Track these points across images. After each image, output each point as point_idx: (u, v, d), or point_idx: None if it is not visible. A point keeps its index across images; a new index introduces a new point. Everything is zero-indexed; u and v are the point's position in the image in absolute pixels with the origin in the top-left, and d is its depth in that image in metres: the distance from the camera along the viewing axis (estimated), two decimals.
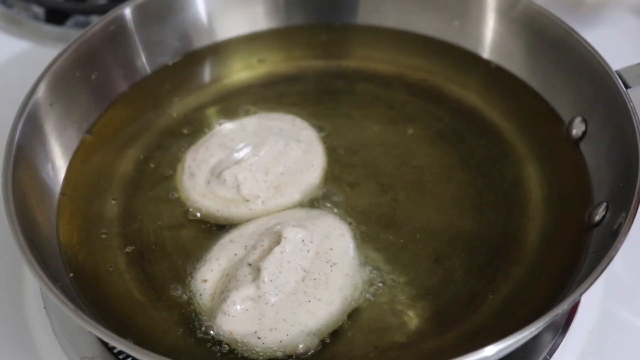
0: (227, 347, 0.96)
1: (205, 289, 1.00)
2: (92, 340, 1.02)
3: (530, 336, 0.91)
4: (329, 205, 1.10)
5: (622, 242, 0.93)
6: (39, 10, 1.47)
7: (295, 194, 1.10)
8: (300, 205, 1.10)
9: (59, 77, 1.13)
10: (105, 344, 1.02)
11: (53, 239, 1.06)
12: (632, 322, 1.06)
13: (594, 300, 1.07)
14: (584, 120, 1.13)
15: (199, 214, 1.10)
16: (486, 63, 1.24)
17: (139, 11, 1.22)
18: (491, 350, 0.86)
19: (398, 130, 1.13)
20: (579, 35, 1.14)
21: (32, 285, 1.09)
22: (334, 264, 1.01)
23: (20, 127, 1.06)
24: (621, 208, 0.98)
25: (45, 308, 1.07)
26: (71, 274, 1.03)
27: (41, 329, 1.06)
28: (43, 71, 1.12)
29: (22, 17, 1.45)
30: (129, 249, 1.07)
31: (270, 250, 1.00)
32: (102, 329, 0.89)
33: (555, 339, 1.02)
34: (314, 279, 0.99)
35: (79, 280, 1.02)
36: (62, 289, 0.94)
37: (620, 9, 1.37)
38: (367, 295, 1.01)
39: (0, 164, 1.03)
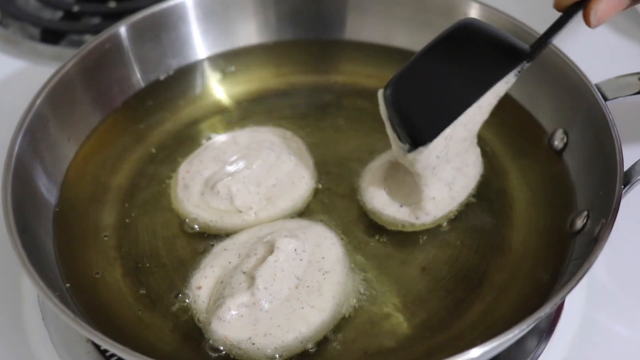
0: (222, 353, 0.98)
1: (199, 296, 1.02)
2: (90, 349, 1.04)
3: (514, 339, 0.93)
4: (319, 215, 1.12)
5: (601, 248, 0.95)
6: (34, 30, 1.49)
7: (286, 205, 1.12)
8: (291, 215, 1.12)
9: (56, 94, 1.15)
10: (102, 353, 1.03)
11: (49, 249, 1.07)
12: (613, 328, 1.07)
13: (577, 307, 1.08)
14: (565, 132, 1.15)
15: (193, 225, 1.11)
16: None
17: (133, 29, 1.24)
18: (476, 352, 0.88)
19: (385, 143, 1.16)
20: (559, 50, 1.16)
21: (30, 295, 1.10)
22: (326, 272, 1.03)
23: (19, 141, 1.08)
24: (601, 216, 1.00)
25: (43, 319, 1.07)
26: (67, 284, 1.04)
27: (39, 338, 1.06)
28: (41, 87, 1.14)
29: (18, 37, 1.46)
30: (124, 259, 1.08)
31: (264, 259, 1.01)
32: (102, 336, 0.90)
33: (539, 344, 1.04)
34: (307, 286, 1.01)
35: (76, 290, 1.04)
36: (60, 298, 0.96)
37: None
38: (357, 302, 1.02)
39: None
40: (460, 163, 1.09)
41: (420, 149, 1.00)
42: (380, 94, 1.03)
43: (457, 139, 1.03)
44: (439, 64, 1.01)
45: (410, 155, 1.01)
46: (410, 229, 1.10)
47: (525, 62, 1.00)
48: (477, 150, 1.14)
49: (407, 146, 1.01)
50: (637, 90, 1.11)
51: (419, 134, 1.00)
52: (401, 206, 1.10)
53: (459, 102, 0.99)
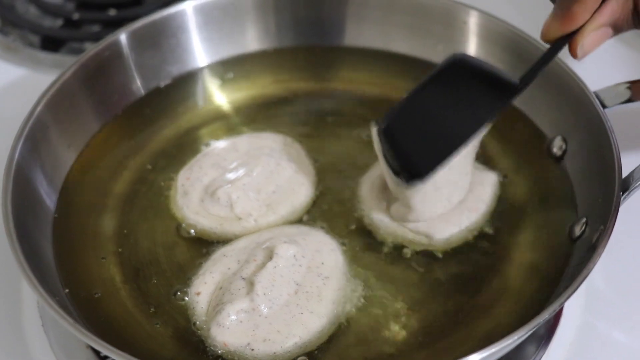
0: (221, 359, 0.98)
1: (198, 302, 1.02)
2: (89, 356, 1.04)
3: (513, 345, 0.93)
4: (319, 222, 1.12)
5: (600, 255, 0.95)
6: (34, 37, 1.49)
7: (286, 212, 1.12)
8: (291, 222, 1.12)
9: (56, 101, 1.15)
10: None
11: (49, 256, 1.07)
12: (612, 335, 1.07)
13: (576, 313, 1.08)
14: (564, 139, 1.15)
15: (192, 231, 1.11)
16: None
17: (133, 37, 1.24)
18: (475, 358, 0.88)
19: None
20: (559, 59, 1.14)
21: (29, 302, 1.10)
22: (326, 277, 1.03)
23: (19, 147, 1.08)
24: (600, 222, 1.00)
25: (43, 325, 1.07)
26: (67, 290, 1.04)
27: (39, 345, 1.07)
28: (41, 94, 1.14)
29: (18, 45, 1.46)
30: (123, 265, 1.09)
31: (263, 265, 1.02)
32: (101, 342, 0.90)
33: (538, 350, 1.05)
34: (306, 292, 1.01)
35: (75, 296, 1.04)
36: (59, 304, 0.96)
37: None
38: (357, 309, 1.03)
39: None
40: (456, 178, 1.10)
41: (417, 182, 1.01)
42: (374, 129, 1.04)
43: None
44: (432, 101, 1.03)
45: (407, 189, 1.03)
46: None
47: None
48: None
49: (401, 181, 1.02)
50: (631, 98, 1.11)
51: (414, 168, 1.01)
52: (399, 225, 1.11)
53: (455, 139, 1.01)
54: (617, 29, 1.01)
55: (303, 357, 0.98)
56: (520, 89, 1.00)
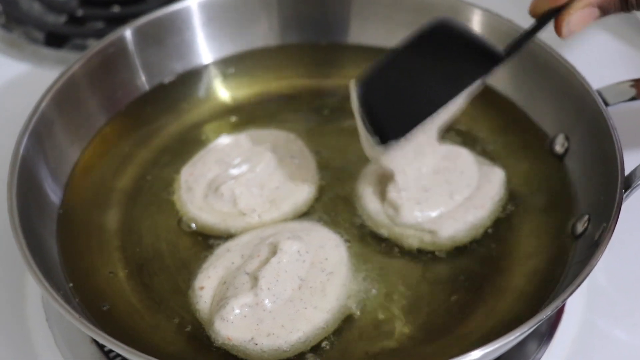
0: (225, 353, 0.98)
1: (201, 296, 1.02)
2: (94, 350, 1.04)
3: (515, 341, 0.93)
4: (322, 218, 1.13)
5: (602, 252, 0.96)
6: (38, 34, 1.49)
7: (289, 208, 1.12)
8: (294, 218, 1.13)
9: (61, 96, 1.16)
10: (106, 354, 1.04)
11: (53, 250, 1.08)
12: (613, 333, 1.08)
13: (577, 311, 1.08)
14: (567, 137, 1.15)
15: (196, 227, 1.12)
16: None
17: (138, 33, 1.25)
18: (477, 354, 0.88)
19: None
20: (560, 56, 1.16)
21: (34, 296, 1.11)
22: (330, 273, 1.03)
23: (24, 142, 1.08)
24: (602, 220, 1.01)
25: (47, 320, 1.08)
26: (71, 284, 1.04)
27: (43, 340, 1.07)
28: (46, 90, 1.15)
29: (22, 41, 1.47)
30: (128, 261, 1.09)
31: (267, 260, 1.02)
32: (106, 336, 0.91)
33: (539, 347, 1.05)
34: (310, 287, 1.02)
35: (79, 291, 1.04)
36: (64, 298, 0.96)
37: (599, 30, 1.41)
38: (359, 304, 1.03)
39: (4, 178, 1.05)
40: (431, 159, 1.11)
41: (389, 144, 1.01)
42: (352, 86, 1.03)
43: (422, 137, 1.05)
44: (413, 63, 1.02)
45: (377, 149, 1.02)
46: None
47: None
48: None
49: (376, 140, 1.01)
50: (633, 96, 1.12)
51: (388, 130, 1.01)
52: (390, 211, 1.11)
53: (431, 103, 1.00)
54: (604, 10, 1.02)
55: (315, 355, 0.99)
56: (503, 59, 1.00)
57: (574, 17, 1.01)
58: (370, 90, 1.02)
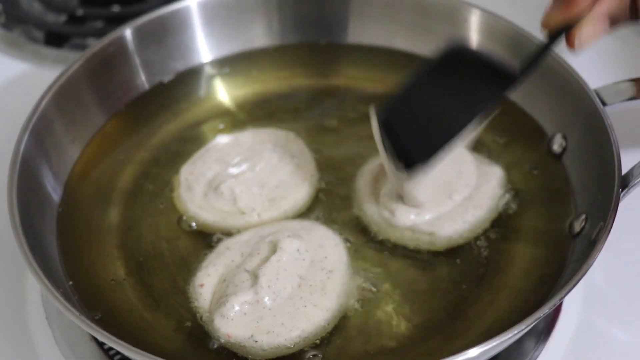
0: (225, 351, 0.98)
1: (201, 294, 1.03)
2: (93, 348, 1.05)
3: (513, 339, 0.94)
4: (321, 216, 1.13)
5: (599, 251, 0.96)
6: (38, 33, 1.50)
7: (289, 206, 1.13)
8: (294, 217, 1.13)
9: (61, 95, 1.16)
10: (106, 352, 1.04)
11: (53, 248, 1.08)
12: (611, 331, 1.08)
13: (575, 309, 1.09)
14: (564, 137, 1.16)
15: (195, 225, 1.12)
16: None
17: (138, 32, 1.25)
18: (475, 352, 0.89)
19: None
20: (559, 57, 1.17)
21: (34, 294, 1.11)
22: (329, 271, 1.04)
23: (24, 141, 1.09)
24: (599, 219, 1.01)
25: (47, 318, 1.08)
26: (70, 282, 1.05)
27: (43, 337, 1.07)
28: (47, 88, 1.15)
29: (22, 40, 1.47)
30: (127, 259, 1.09)
31: (267, 258, 1.02)
32: (106, 333, 0.91)
33: (537, 345, 1.05)
34: (310, 285, 1.02)
35: (79, 289, 1.04)
36: (64, 296, 0.96)
37: None
38: (359, 302, 1.03)
39: (4, 177, 1.05)
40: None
41: (415, 168, 1.01)
42: (373, 119, 1.04)
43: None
44: (431, 90, 1.03)
45: (403, 176, 1.03)
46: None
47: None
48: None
49: (401, 166, 1.02)
50: (631, 96, 1.12)
51: (412, 155, 1.02)
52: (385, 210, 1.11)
53: (453, 127, 1.01)
54: (615, 20, 1.03)
55: (314, 353, 0.99)
56: (519, 79, 1.01)
57: (585, 30, 1.01)
58: (390, 117, 1.03)
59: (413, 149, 1.02)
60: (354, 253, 1.09)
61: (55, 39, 1.49)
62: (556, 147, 1.17)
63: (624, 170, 1.04)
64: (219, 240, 1.10)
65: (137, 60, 1.26)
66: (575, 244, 1.06)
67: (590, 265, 0.95)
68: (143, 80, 1.28)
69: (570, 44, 1.03)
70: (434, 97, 1.03)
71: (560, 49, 1.17)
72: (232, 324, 0.98)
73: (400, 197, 1.10)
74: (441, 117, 1.02)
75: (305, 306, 1.00)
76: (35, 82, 1.24)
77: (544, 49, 1.03)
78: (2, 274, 1.14)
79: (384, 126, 1.03)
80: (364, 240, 1.11)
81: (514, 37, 1.22)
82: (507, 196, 1.14)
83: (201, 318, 1.02)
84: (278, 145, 1.19)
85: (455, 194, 1.11)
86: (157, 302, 1.05)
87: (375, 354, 0.99)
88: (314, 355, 0.99)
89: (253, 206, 1.12)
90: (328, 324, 1.01)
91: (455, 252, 1.09)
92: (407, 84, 1.04)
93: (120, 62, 1.25)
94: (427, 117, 1.03)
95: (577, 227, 1.07)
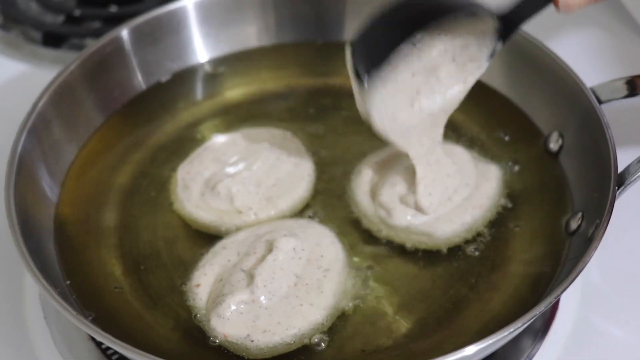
0: (221, 350, 0.99)
1: (197, 294, 1.03)
2: (91, 347, 1.05)
3: (509, 337, 0.94)
4: (318, 215, 1.13)
5: (595, 248, 0.96)
6: (36, 33, 1.50)
7: (286, 205, 1.13)
8: (291, 216, 1.13)
9: (58, 95, 1.17)
10: (104, 352, 1.04)
11: (51, 248, 1.08)
12: (608, 329, 1.08)
13: (572, 307, 1.09)
14: (561, 135, 1.16)
15: (192, 225, 1.12)
16: None
17: (135, 33, 1.25)
18: (472, 349, 0.89)
19: (382, 145, 1.16)
20: (554, 54, 1.17)
21: (31, 294, 1.11)
22: (326, 270, 1.04)
23: (22, 141, 1.09)
24: (595, 217, 1.01)
25: (45, 317, 1.08)
26: (68, 282, 1.05)
27: (41, 337, 1.07)
28: (44, 89, 1.16)
29: (20, 41, 1.48)
30: (125, 258, 1.09)
31: (263, 258, 1.02)
32: (103, 333, 0.91)
33: (534, 343, 1.05)
34: (306, 284, 1.02)
35: (76, 288, 1.05)
36: (62, 296, 0.96)
37: (593, 27, 1.42)
38: (355, 301, 1.03)
39: (2, 177, 1.05)
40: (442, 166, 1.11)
41: (367, 77, 1.00)
42: (347, 50, 1.02)
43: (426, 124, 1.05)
44: (395, 15, 1.01)
45: (362, 96, 1.02)
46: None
47: (498, 42, 1.01)
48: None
49: (358, 82, 1.01)
50: (627, 94, 1.12)
51: (365, 67, 1.00)
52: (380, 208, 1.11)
53: (404, 30, 1.00)
54: None
55: (307, 351, 0.99)
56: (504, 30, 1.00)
57: None
58: (360, 47, 1.01)
59: (370, 61, 1.00)
60: (351, 251, 1.09)
61: (52, 39, 1.49)
62: (553, 145, 1.17)
63: (620, 168, 1.04)
64: (216, 239, 1.10)
65: (134, 60, 1.27)
66: (571, 241, 1.06)
67: (587, 263, 0.95)
68: (140, 80, 1.28)
69: (555, 2, 1.00)
70: (396, 18, 1.01)
71: (558, 46, 1.18)
72: (229, 323, 0.98)
73: (398, 197, 1.10)
74: (396, 26, 1.01)
75: (302, 305, 1.00)
76: (32, 82, 1.25)
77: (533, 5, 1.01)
78: (0, 274, 1.14)
79: (353, 55, 1.01)
80: (361, 238, 1.11)
81: (515, 38, 1.21)
82: (504, 194, 1.14)
83: (198, 318, 1.02)
84: (275, 145, 1.19)
85: (454, 195, 1.11)
86: (155, 301, 1.05)
87: (371, 353, 1.00)
88: (311, 354, 0.99)
89: (250, 205, 1.12)
90: (325, 323, 1.01)
91: (451, 251, 1.09)
92: (375, 15, 1.02)
93: (117, 62, 1.25)
94: (386, 32, 1.01)
95: (574, 225, 1.07)
